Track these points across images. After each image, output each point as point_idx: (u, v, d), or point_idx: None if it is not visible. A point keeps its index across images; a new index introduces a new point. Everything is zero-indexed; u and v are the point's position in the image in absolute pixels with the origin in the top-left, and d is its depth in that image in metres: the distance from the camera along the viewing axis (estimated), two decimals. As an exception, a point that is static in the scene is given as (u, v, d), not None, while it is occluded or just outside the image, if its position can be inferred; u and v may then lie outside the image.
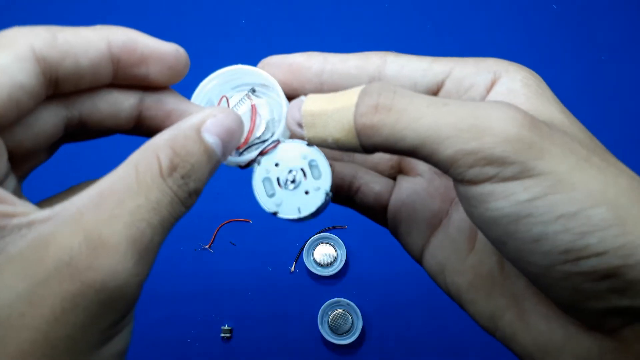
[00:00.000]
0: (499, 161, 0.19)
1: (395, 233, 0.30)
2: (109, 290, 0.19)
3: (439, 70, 0.24)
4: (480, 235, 0.26)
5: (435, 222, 0.27)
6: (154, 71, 0.24)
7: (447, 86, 0.24)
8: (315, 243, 0.68)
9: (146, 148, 0.23)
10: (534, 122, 0.20)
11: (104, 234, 0.19)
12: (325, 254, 0.67)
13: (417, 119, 0.20)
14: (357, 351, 0.66)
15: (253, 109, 0.27)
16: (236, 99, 0.28)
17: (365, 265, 0.68)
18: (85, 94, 0.24)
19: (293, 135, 0.25)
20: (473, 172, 0.20)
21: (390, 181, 0.30)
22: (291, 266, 0.68)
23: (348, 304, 0.66)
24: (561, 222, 0.19)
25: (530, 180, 0.19)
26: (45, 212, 0.20)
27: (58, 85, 0.22)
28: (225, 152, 0.23)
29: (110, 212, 0.20)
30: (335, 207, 0.74)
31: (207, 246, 0.69)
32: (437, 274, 0.27)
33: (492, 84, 0.23)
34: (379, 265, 0.68)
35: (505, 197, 0.20)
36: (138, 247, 0.20)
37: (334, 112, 0.22)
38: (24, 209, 0.20)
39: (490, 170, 0.20)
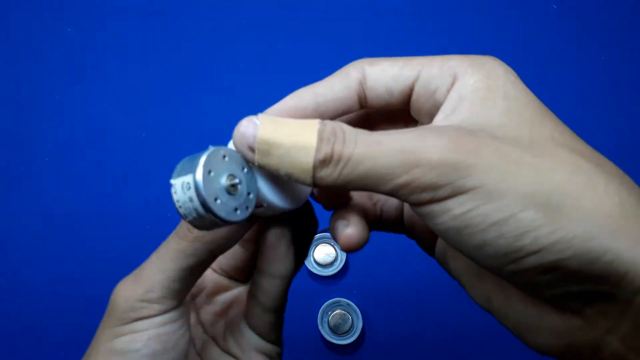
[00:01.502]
0: (430, 187, 0.22)
1: (412, 236, 0.32)
2: None
3: (408, 74, 0.26)
4: None
5: None
6: None
7: (417, 89, 0.26)
8: (315, 243, 0.68)
9: None
10: (458, 142, 0.22)
11: None
12: (325, 253, 0.67)
13: (358, 163, 0.23)
14: (357, 351, 0.66)
15: None
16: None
17: (365, 265, 0.68)
18: None
19: (249, 161, 0.25)
20: (413, 198, 0.23)
21: None
22: (291, 266, 0.68)
23: (348, 304, 0.66)
24: (495, 229, 0.21)
25: (462, 197, 0.22)
26: None
27: None
28: None
29: None
30: (335, 207, 0.73)
31: (207, 246, 0.69)
32: (443, 261, 0.29)
33: (451, 87, 0.25)
34: (379, 265, 0.68)
35: (444, 213, 0.22)
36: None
37: (293, 148, 0.23)
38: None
39: (426, 195, 0.22)
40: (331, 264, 0.67)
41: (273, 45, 0.74)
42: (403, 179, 0.22)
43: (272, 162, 0.24)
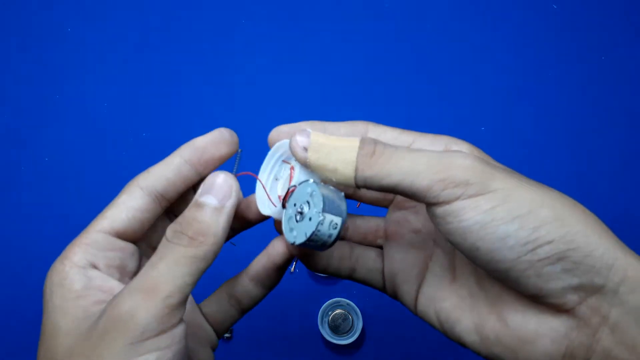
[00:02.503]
0: (463, 183, 0.27)
1: (394, 295, 0.36)
2: None
3: (405, 140, 0.32)
4: (459, 264, 0.33)
5: (423, 269, 0.34)
6: (219, 154, 0.35)
7: None
8: (316, 243, 0.68)
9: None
10: (482, 158, 0.28)
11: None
12: (325, 254, 0.67)
13: (400, 160, 0.28)
14: (357, 351, 0.66)
15: (290, 171, 0.33)
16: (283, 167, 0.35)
17: (366, 265, 0.68)
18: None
19: (300, 161, 0.30)
20: (445, 194, 0.27)
21: (379, 251, 0.36)
22: (291, 266, 0.68)
23: (348, 304, 0.66)
24: (517, 221, 0.26)
25: (489, 195, 0.27)
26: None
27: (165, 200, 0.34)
28: (229, 202, 0.30)
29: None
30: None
31: (207, 246, 0.69)
32: (428, 308, 0.33)
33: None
34: (379, 265, 0.68)
35: (473, 209, 0.27)
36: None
37: (339, 147, 0.29)
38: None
39: (458, 191, 0.27)
40: (331, 264, 0.67)
41: (273, 45, 0.74)
42: (440, 175, 0.27)
43: (320, 158, 0.29)
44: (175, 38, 0.74)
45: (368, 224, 0.36)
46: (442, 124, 0.72)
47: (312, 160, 0.30)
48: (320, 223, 0.29)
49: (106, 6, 0.75)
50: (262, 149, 0.72)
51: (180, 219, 0.30)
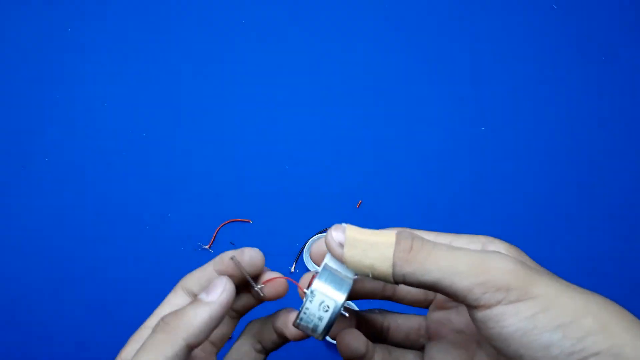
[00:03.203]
0: (504, 287, 0.26)
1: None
2: None
3: (442, 240, 0.31)
4: None
5: None
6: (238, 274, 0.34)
7: None
8: (316, 243, 0.68)
9: None
10: (523, 262, 0.27)
11: None
12: (325, 254, 0.67)
13: (440, 258, 0.27)
14: (357, 351, 0.66)
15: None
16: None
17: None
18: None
19: (336, 257, 0.30)
20: (486, 297, 0.26)
21: (419, 353, 0.35)
22: (291, 267, 0.68)
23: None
24: (560, 330, 0.25)
25: (530, 301, 0.26)
26: None
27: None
28: (215, 298, 0.30)
29: None
30: (335, 208, 0.74)
31: (207, 246, 0.69)
32: None
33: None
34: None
35: (514, 315, 0.26)
36: None
37: (376, 243, 0.28)
38: None
39: (499, 295, 0.26)
40: (331, 264, 0.67)
41: (274, 45, 0.74)
42: (480, 278, 0.26)
43: (357, 254, 0.29)
44: (176, 38, 0.74)
45: (410, 322, 0.36)
46: (442, 124, 0.72)
47: (348, 256, 0.29)
48: (309, 300, 0.28)
49: (106, 6, 0.75)
50: (262, 149, 0.72)
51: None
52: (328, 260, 0.31)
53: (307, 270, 0.68)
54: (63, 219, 0.69)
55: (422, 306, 0.35)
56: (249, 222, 0.69)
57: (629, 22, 0.75)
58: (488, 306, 0.26)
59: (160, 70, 0.73)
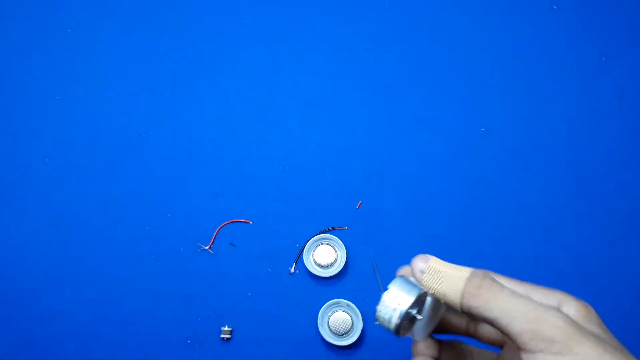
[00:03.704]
0: (549, 339, 0.30)
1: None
2: None
3: (520, 289, 0.35)
4: None
5: None
6: None
7: None
8: (316, 244, 0.68)
9: None
10: (575, 322, 0.31)
11: None
12: (325, 254, 0.67)
13: (502, 301, 0.32)
14: (357, 352, 0.66)
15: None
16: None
17: (366, 265, 0.68)
18: None
19: (418, 282, 0.36)
20: (532, 344, 0.30)
21: None
22: (291, 267, 0.68)
23: (348, 305, 0.66)
24: None
25: (569, 357, 0.29)
26: None
27: None
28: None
29: None
30: (335, 208, 0.74)
31: (207, 247, 0.69)
32: None
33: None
34: (379, 265, 0.68)
35: None
36: None
37: (451, 275, 0.34)
38: None
39: (543, 345, 0.30)
40: (331, 264, 0.67)
41: (274, 45, 0.74)
42: (531, 326, 0.30)
43: (433, 281, 0.34)
44: (176, 38, 0.74)
45: (484, 355, 0.40)
46: (442, 124, 0.72)
47: (425, 282, 0.35)
48: (386, 294, 0.35)
49: (106, 6, 0.75)
50: (262, 149, 0.72)
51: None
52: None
53: (308, 271, 0.68)
54: (63, 219, 0.69)
55: (496, 346, 0.40)
56: (249, 222, 0.69)
57: (629, 22, 0.75)
58: (533, 352, 0.30)
59: (160, 70, 0.73)
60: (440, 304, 0.37)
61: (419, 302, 0.35)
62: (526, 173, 0.71)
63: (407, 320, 0.35)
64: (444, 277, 0.34)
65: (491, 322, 0.32)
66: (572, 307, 0.33)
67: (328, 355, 0.67)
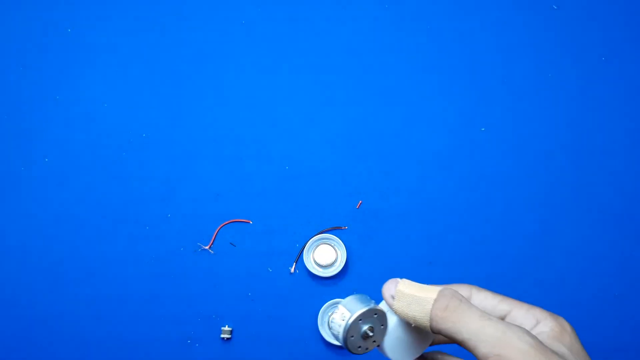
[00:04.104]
0: None
1: None
2: None
3: (503, 308, 0.35)
4: None
5: None
6: None
7: (507, 320, 0.36)
8: (316, 244, 0.68)
9: None
10: (541, 345, 0.31)
11: None
12: (325, 254, 0.67)
13: (470, 322, 0.32)
14: (357, 352, 0.66)
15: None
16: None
17: (365, 265, 0.68)
18: None
19: (390, 306, 0.35)
20: None
21: None
22: (291, 267, 0.68)
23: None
24: None
25: None
26: None
27: None
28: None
29: None
30: (335, 208, 0.74)
31: (207, 247, 0.69)
32: None
33: (534, 326, 0.35)
34: (379, 265, 0.68)
35: None
36: None
37: (419, 299, 0.34)
38: None
39: None
40: (331, 264, 0.67)
41: (274, 45, 0.74)
42: (496, 350, 0.31)
43: (403, 306, 0.34)
44: (176, 39, 0.74)
45: None
46: (442, 124, 0.72)
47: (395, 307, 0.34)
48: (335, 311, 0.36)
49: (106, 6, 0.75)
50: (262, 149, 0.72)
51: None
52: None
53: (308, 271, 0.68)
54: (63, 219, 0.69)
55: None
56: (249, 222, 0.69)
57: (629, 22, 0.75)
58: None
59: (160, 70, 0.73)
60: (421, 329, 0.37)
61: (372, 319, 0.35)
62: (526, 173, 0.71)
63: (362, 336, 0.35)
64: (412, 301, 0.34)
65: (461, 344, 0.32)
66: (547, 325, 0.34)
67: (328, 355, 0.67)
